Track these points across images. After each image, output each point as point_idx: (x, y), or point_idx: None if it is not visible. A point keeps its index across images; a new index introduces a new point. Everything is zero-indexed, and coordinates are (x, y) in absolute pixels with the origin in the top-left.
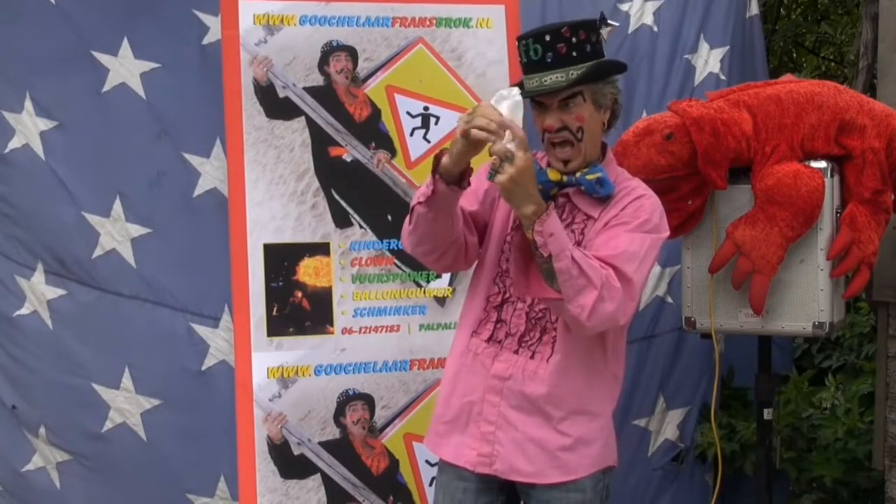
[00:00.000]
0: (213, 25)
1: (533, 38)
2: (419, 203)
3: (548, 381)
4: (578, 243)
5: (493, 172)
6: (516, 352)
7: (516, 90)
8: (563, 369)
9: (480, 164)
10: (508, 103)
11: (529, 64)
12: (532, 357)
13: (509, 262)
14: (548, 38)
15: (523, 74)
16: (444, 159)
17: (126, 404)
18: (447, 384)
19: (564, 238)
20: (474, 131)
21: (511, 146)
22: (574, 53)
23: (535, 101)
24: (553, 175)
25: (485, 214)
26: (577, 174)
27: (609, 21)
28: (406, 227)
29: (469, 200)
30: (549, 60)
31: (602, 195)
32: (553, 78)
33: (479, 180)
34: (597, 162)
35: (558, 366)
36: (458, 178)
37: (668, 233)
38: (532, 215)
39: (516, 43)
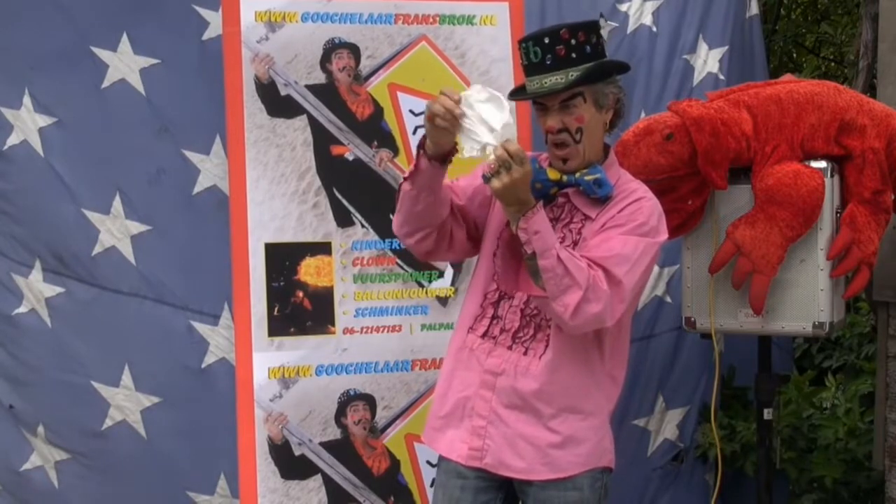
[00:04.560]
0: (214, 21)
1: (533, 41)
2: (404, 180)
3: (539, 377)
4: (576, 243)
5: (489, 177)
6: (510, 348)
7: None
8: (556, 367)
9: (477, 164)
10: (507, 111)
11: (530, 66)
12: (525, 353)
13: (497, 258)
14: (547, 40)
15: (525, 76)
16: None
17: (126, 402)
18: (444, 379)
19: (551, 237)
20: (438, 120)
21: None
22: (573, 55)
23: (537, 102)
24: (553, 174)
25: (474, 212)
26: (577, 174)
27: (608, 21)
28: (397, 208)
29: (458, 195)
30: (548, 62)
31: (600, 196)
32: (552, 80)
33: (472, 178)
34: (598, 163)
35: (550, 363)
36: (442, 157)
37: (665, 236)
38: (517, 212)
39: (518, 46)
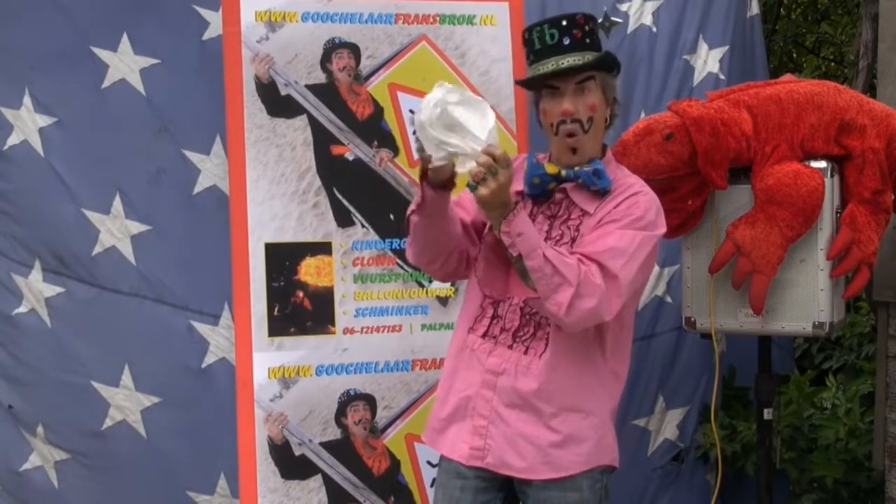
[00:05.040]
0: (214, 21)
1: (549, 24)
2: (412, 212)
3: (539, 376)
4: (574, 239)
5: (475, 185)
6: (510, 347)
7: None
8: (556, 365)
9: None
10: (490, 115)
11: (544, 49)
12: (525, 352)
13: (479, 262)
14: (565, 23)
15: (535, 62)
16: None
17: (126, 402)
18: (445, 381)
19: (535, 237)
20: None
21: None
22: (587, 41)
23: (549, 86)
24: (550, 168)
25: (480, 220)
26: (575, 168)
27: (612, 18)
28: (408, 240)
29: (467, 209)
30: (566, 43)
31: (599, 187)
32: (570, 60)
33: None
34: (596, 159)
35: (550, 362)
36: (445, 181)
37: (664, 230)
38: (499, 216)
39: (526, 34)
